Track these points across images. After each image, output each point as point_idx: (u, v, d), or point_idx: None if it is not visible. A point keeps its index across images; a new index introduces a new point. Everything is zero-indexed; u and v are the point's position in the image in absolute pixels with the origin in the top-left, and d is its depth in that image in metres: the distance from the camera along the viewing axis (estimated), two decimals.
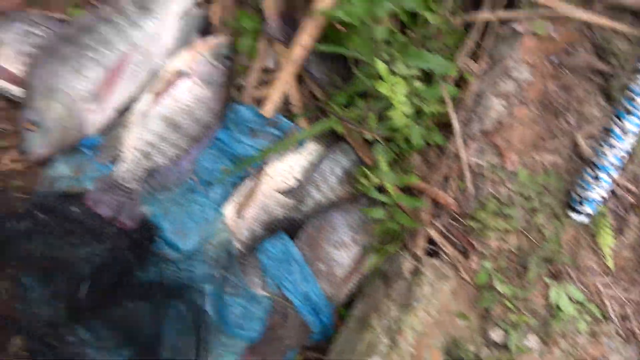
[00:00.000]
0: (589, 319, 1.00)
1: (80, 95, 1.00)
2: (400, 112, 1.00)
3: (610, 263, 1.01)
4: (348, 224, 1.08)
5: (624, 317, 1.03)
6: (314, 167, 1.11)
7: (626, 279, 1.03)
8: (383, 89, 0.98)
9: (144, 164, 1.04)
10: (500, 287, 0.98)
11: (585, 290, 1.01)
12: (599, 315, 1.01)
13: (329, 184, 1.11)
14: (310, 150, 1.12)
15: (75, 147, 1.04)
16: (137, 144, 1.03)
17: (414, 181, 1.03)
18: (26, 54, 1.01)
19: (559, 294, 1.00)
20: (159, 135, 1.03)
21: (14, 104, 1.06)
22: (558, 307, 0.99)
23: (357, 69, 1.06)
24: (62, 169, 1.03)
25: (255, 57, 1.12)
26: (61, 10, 1.05)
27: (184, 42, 1.07)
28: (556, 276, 1.01)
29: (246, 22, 1.09)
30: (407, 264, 1.01)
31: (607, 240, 1.01)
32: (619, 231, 1.02)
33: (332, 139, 1.13)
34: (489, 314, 0.98)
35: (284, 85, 1.07)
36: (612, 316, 1.02)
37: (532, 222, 1.01)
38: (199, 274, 1.05)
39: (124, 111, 1.05)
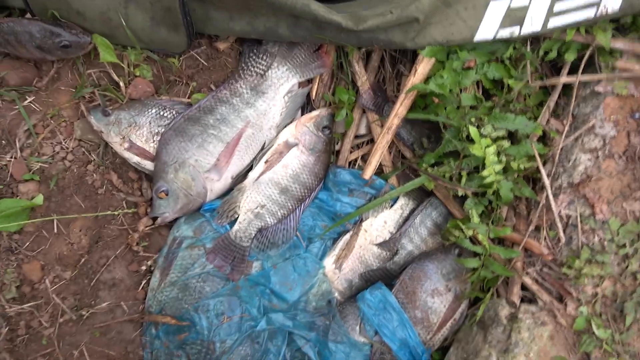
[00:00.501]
0: None
1: (204, 167, 1.15)
2: (492, 170, 1.08)
3: None
4: (441, 272, 1.15)
5: None
6: (406, 221, 1.21)
7: None
8: (476, 150, 1.07)
9: (255, 224, 1.17)
10: (598, 332, 1.01)
11: None
12: None
13: (421, 235, 1.20)
14: (402, 205, 1.22)
15: (198, 211, 1.18)
16: (250, 206, 1.17)
17: (507, 232, 1.09)
18: (157, 134, 1.18)
19: None
20: (270, 198, 1.17)
21: (143, 176, 1.23)
22: None
23: (445, 132, 1.16)
24: (185, 230, 1.18)
25: (350, 125, 1.25)
26: (186, 95, 1.23)
27: (289, 116, 1.22)
28: None
29: (342, 96, 1.24)
30: (504, 311, 1.07)
31: None
32: None
33: (421, 194, 1.23)
34: (589, 358, 1.01)
35: (381, 151, 1.19)
36: None
37: (626, 268, 1.05)
38: (303, 322, 1.15)
39: (239, 178, 1.19)
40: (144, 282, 1.20)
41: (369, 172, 1.18)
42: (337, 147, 1.27)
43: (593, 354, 1.01)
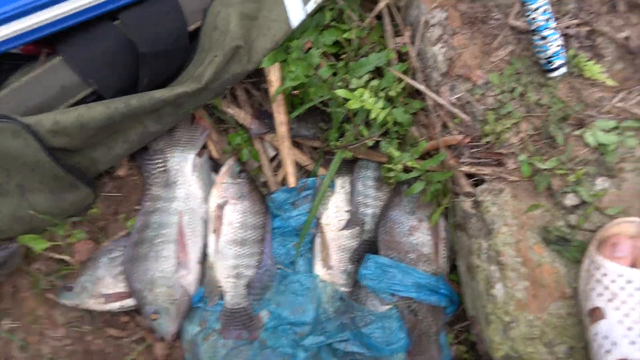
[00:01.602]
0: (632, 132, 1.08)
1: (170, 271, 1.24)
2: (377, 111, 1.18)
3: (611, 82, 1.11)
4: (405, 212, 1.23)
5: None
6: (352, 194, 1.29)
7: (634, 82, 1.11)
8: (354, 105, 1.17)
9: (240, 283, 1.25)
10: (544, 166, 1.09)
11: (611, 115, 1.10)
12: (638, 124, 1.08)
13: (371, 196, 1.28)
14: (341, 184, 1.31)
15: (191, 307, 1.26)
16: (226, 273, 1.25)
17: (425, 145, 1.18)
18: (120, 273, 1.27)
19: (594, 134, 1.09)
20: (237, 256, 1.25)
21: (133, 313, 1.31)
22: (601, 144, 1.08)
23: (328, 108, 1.26)
24: (192, 330, 1.25)
25: (258, 157, 1.35)
26: (122, 229, 1.33)
27: (207, 185, 1.31)
28: (580, 124, 1.11)
29: (236, 140, 1.34)
30: (467, 204, 1.14)
31: (594, 69, 1.12)
32: (596, 57, 1.13)
33: (349, 166, 1.32)
34: (552, 190, 1.08)
35: (289, 157, 1.28)
36: None
37: (529, 104, 1.13)
38: (333, 329, 1.21)
39: (203, 259, 1.28)
40: None
41: (291, 180, 1.27)
42: (263, 180, 1.37)
43: (553, 184, 1.09)
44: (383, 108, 1.18)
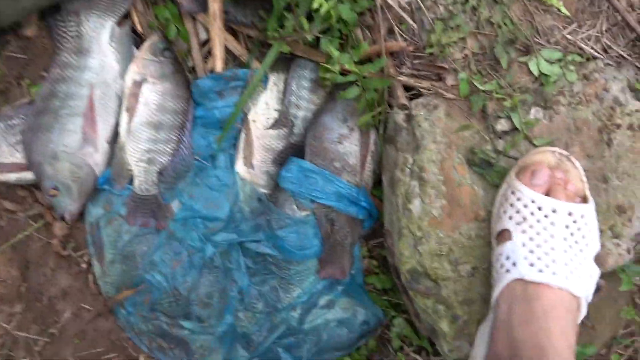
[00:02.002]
0: (574, 67, 1.05)
1: (75, 147, 1.14)
2: (321, 0, 1.07)
3: (565, 11, 1.06)
4: (337, 118, 1.17)
5: (605, 49, 1.08)
6: (285, 93, 1.21)
7: (587, 16, 1.07)
8: None
9: (152, 169, 1.17)
10: (483, 87, 1.05)
11: (558, 47, 1.07)
12: (582, 59, 1.06)
13: (304, 97, 1.21)
14: (274, 81, 1.22)
15: (96, 188, 1.17)
16: (137, 157, 1.16)
17: (366, 48, 1.11)
18: (17, 142, 1.15)
19: (538, 63, 1.06)
20: (150, 140, 1.16)
21: (32, 187, 1.21)
22: (543, 74, 1.05)
23: None
24: (95, 212, 1.18)
25: (187, 37, 1.22)
26: (24, 95, 1.19)
27: (125, 59, 1.18)
28: (527, 51, 1.07)
29: (164, 14, 1.20)
30: (400, 116, 1.10)
31: None
32: None
33: (286, 63, 1.22)
34: (486, 113, 1.05)
35: (219, 39, 1.17)
36: (595, 53, 1.07)
37: (479, 20, 1.07)
38: (246, 229, 1.17)
39: (114, 138, 1.18)
40: (90, 277, 1.21)
41: (219, 65, 1.17)
42: (190, 65, 1.25)
43: (489, 107, 1.06)
44: (328, 1, 1.08)
